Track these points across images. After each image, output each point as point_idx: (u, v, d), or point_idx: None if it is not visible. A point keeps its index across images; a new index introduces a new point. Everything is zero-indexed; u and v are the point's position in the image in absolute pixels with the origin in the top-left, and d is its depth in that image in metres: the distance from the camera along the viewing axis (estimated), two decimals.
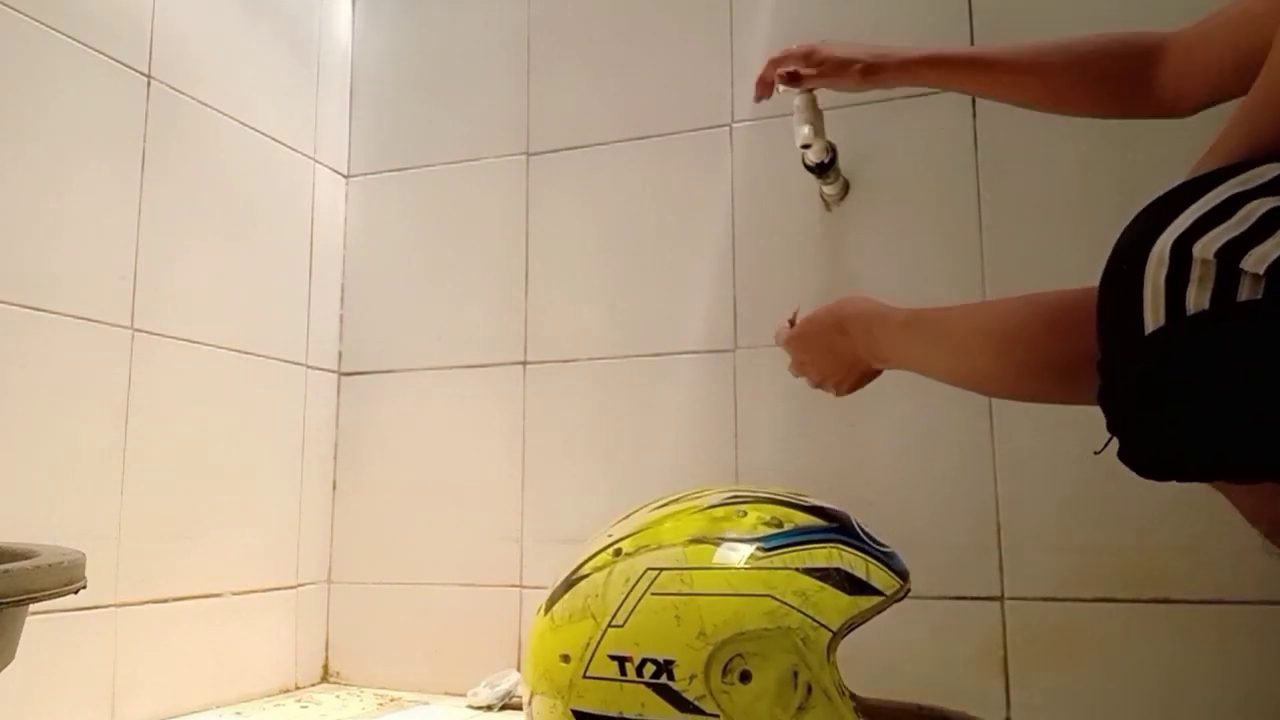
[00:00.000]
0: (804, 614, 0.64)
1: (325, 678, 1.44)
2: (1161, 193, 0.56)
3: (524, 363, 1.39)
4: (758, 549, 0.68)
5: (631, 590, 0.68)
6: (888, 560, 0.71)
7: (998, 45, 0.97)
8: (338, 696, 1.33)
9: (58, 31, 1.07)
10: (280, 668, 1.35)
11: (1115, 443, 0.56)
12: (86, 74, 1.10)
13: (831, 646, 0.65)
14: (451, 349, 1.43)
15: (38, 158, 1.05)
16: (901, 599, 0.71)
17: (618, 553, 0.72)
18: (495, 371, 1.40)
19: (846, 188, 1.24)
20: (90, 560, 0.66)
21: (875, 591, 0.67)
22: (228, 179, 1.31)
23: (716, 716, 0.63)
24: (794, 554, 0.68)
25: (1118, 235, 0.57)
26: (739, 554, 0.68)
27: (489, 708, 1.25)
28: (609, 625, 0.67)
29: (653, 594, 0.67)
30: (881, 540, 0.74)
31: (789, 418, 1.22)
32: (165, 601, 1.17)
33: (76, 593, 0.63)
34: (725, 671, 0.64)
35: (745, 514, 0.72)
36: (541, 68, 1.44)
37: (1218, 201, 0.51)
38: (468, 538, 1.38)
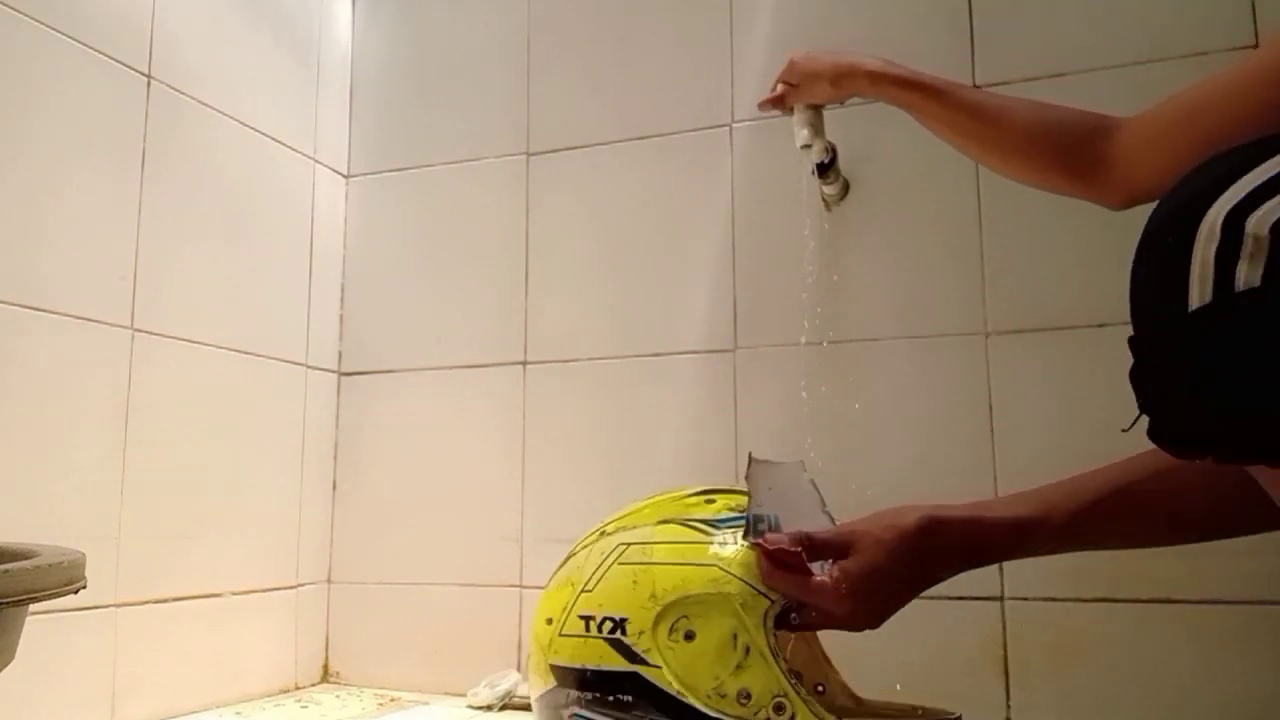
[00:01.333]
0: (745, 582, 0.72)
1: (325, 678, 1.44)
2: (1209, 157, 0.53)
3: (524, 363, 1.39)
4: (712, 527, 0.77)
5: (603, 561, 0.78)
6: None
7: (971, 88, 0.95)
8: (338, 696, 1.33)
9: (57, 31, 1.07)
10: (280, 668, 1.35)
11: (1144, 421, 0.54)
12: (86, 74, 1.10)
13: (770, 613, 0.72)
14: (451, 349, 1.43)
15: (37, 158, 1.04)
16: None
17: (602, 534, 0.82)
18: (495, 371, 1.40)
19: (846, 188, 1.24)
20: (90, 560, 0.66)
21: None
22: (228, 179, 1.31)
23: (659, 668, 0.72)
24: (735, 531, 0.76)
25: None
26: (695, 530, 0.77)
27: (489, 708, 1.25)
28: (581, 590, 0.77)
29: (619, 564, 0.77)
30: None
31: (789, 418, 1.22)
32: (165, 601, 1.17)
33: (76, 593, 0.62)
34: (671, 630, 0.73)
35: (714, 500, 0.81)
36: (541, 68, 1.44)
37: (1272, 173, 0.49)
38: (468, 538, 1.38)
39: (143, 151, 1.17)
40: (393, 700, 1.32)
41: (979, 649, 1.12)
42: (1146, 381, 0.54)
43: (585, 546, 0.82)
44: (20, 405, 1.01)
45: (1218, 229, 0.49)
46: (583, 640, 0.75)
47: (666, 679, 0.72)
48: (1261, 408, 0.49)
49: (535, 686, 0.80)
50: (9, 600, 0.56)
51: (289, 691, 1.36)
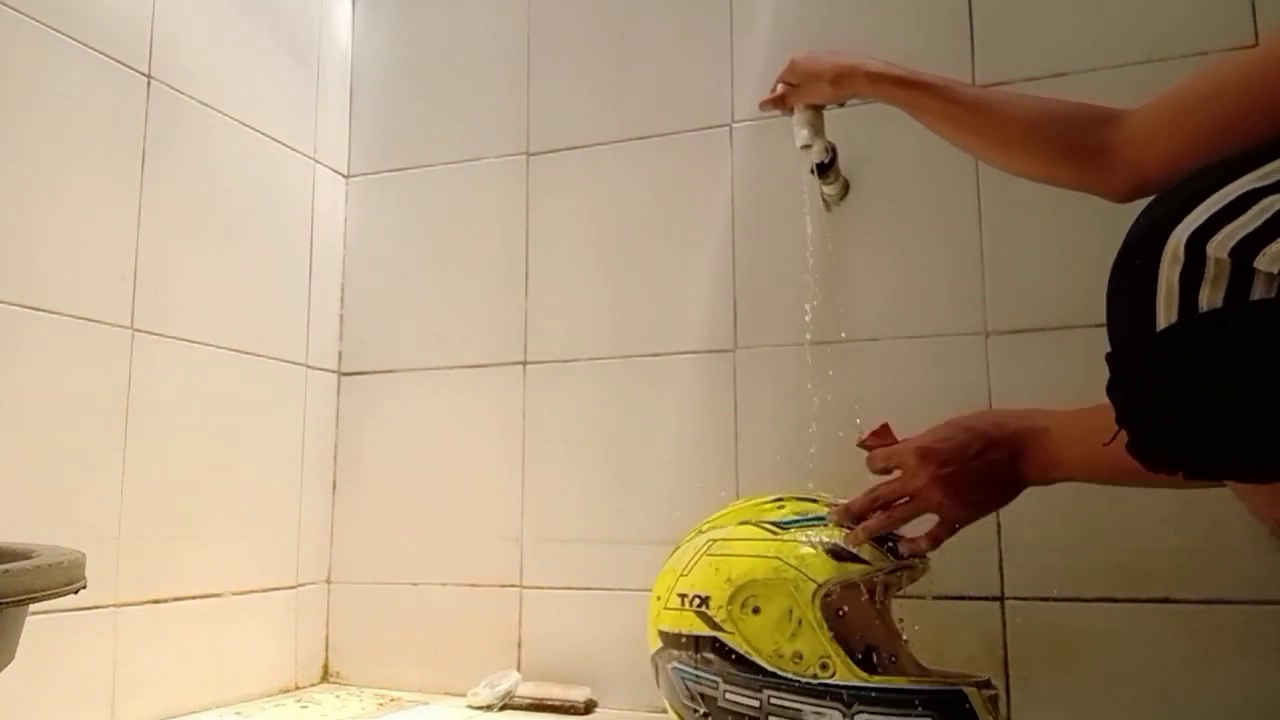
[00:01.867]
0: (798, 570, 0.92)
1: (325, 678, 1.44)
2: (1176, 182, 0.55)
3: (524, 363, 1.39)
4: (778, 527, 0.96)
5: (696, 553, 0.99)
6: (890, 544, 0.93)
7: (968, 84, 0.96)
8: (338, 696, 1.33)
9: (57, 31, 1.07)
10: (280, 668, 1.35)
11: (1124, 435, 0.55)
12: (86, 74, 1.10)
13: (817, 594, 0.90)
14: (451, 349, 1.43)
15: (37, 157, 1.05)
16: (900, 570, 0.94)
17: (699, 531, 1.02)
18: (495, 371, 1.40)
19: (846, 188, 1.24)
20: (90, 560, 0.66)
21: (861, 561, 0.91)
22: (228, 179, 1.31)
23: (733, 634, 0.93)
24: (804, 531, 0.95)
25: (1118, 236, 0.57)
26: (764, 530, 0.97)
27: (489, 708, 1.25)
28: (680, 575, 0.99)
29: (706, 555, 0.98)
30: (900, 533, 0.94)
31: (789, 418, 1.22)
32: (165, 601, 1.17)
33: (76, 593, 0.63)
34: (742, 606, 0.93)
35: (783, 506, 0.99)
36: (541, 68, 1.44)
37: (1233, 197, 0.51)
38: (468, 538, 1.38)
39: (143, 151, 1.17)
40: (393, 700, 1.32)
41: (979, 649, 1.12)
42: (1120, 397, 0.55)
43: (687, 541, 1.02)
44: (20, 405, 1.01)
45: (1181, 252, 0.51)
46: (679, 612, 0.97)
47: (739, 642, 0.93)
48: (1226, 425, 0.50)
49: (650, 646, 1.02)
50: (9, 600, 0.56)
51: (289, 691, 1.36)
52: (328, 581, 1.46)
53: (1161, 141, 0.73)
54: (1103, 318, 1.13)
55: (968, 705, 0.86)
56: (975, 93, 0.91)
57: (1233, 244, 0.49)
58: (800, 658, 0.90)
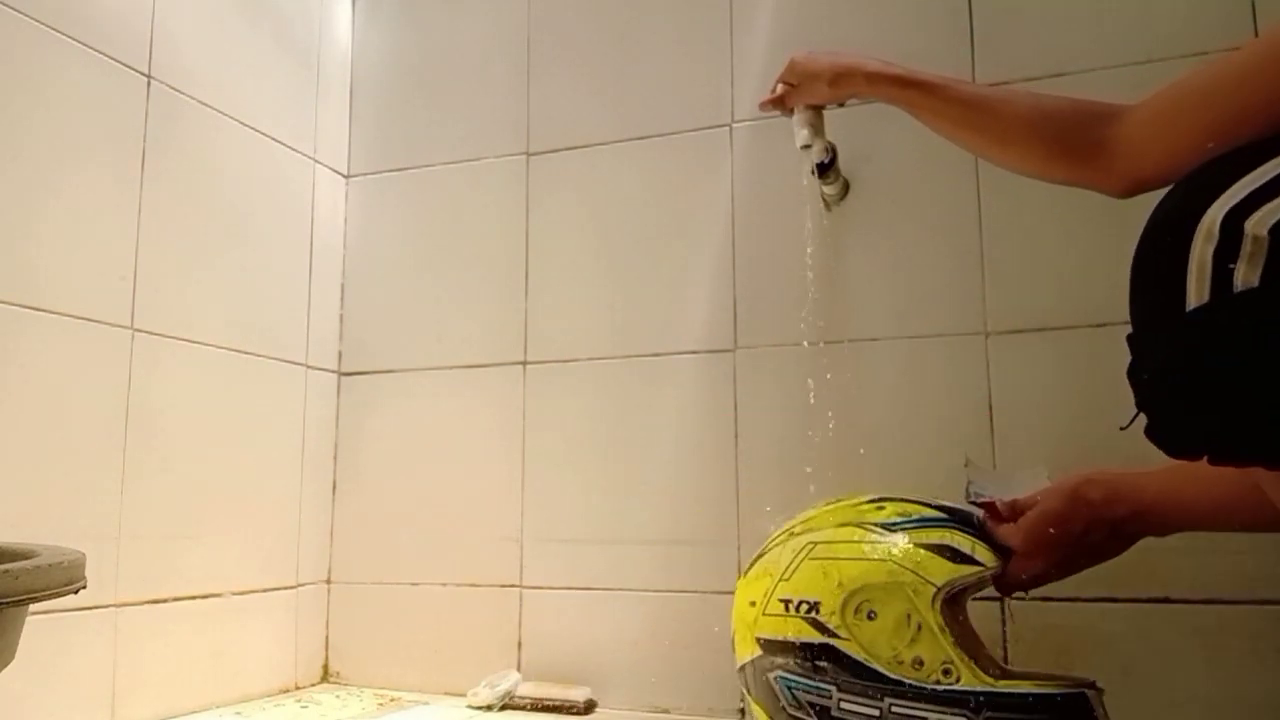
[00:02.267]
0: (915, 573, 0.88)
1: (325, 678, 1.44)
2: (1207, 160, 0.53)
3: (524, 363, 1.39)
4: (886, 529, 0.93)
5: (796, 556, 0.94)
6: (997, 546, 0.90)
7: (966, 81, 0.96)
8: (338, 696, 1.33)
9: (57, 31, 1.07)
10: (280, 668, 1.35)
11: (1142, 419, 0.54)
12: (86, 74, 1.10)
13: (936, 598, 0.87)
14: (451, 349, 1.43)
15: (37, 157, 1.05)
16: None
17: (791, 534, 0.98)
18: (495, 371, 1.40)
19: (846, 188, 1.24)
20: (90, 560, 0.66)
21: (976, 563, 0.88)
22: (228, 179, 1.31)
23: (848, 640, 0.89)
24: (914, 533, 0.92)
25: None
26: (872, 532, 0.93)
27: (489, 708, 1.25)
28: (779, 580, 0.94)
29: (810, 559, 0.93)
30: None
31: (789, 418, 1.22)
32: (165, 601, 1.17)
33: (76, 593, 0.63)
34: (856, 611, 0.90)
35: (883, 508, 0.95)
36: (541, 68, 1.44)
37: (1270, 175, 0.49)
38: (468, 538, 1.38)
39: (142, 151, 1.17)
40: (393, 700, 1.32)
41: None
42: (1143, 380, 0.54)
43: (777, 544, 0.98)
44: (20, 405, 1.01)
45: (1216, 229, 0.49)
46: (783, 619, 0.92)
47: (855, 649, 0.89)
48: (1257, 408, 0.48)
49: (741, 655, 0.98)
50: (9, 600, 0.56)
51: (289, 691, 1.36)
52: (328, 581, 1.46)
53: (1159, 138, 0.72)
54: (1103, 317, 1.14)
55: (1091, 709, 0.85)
56: (973, 90, 0.91)
57: (1272, 222, 0.47)
58: (921, 663, 0.87)
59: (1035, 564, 0.88)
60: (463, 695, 1.29)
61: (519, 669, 1.31)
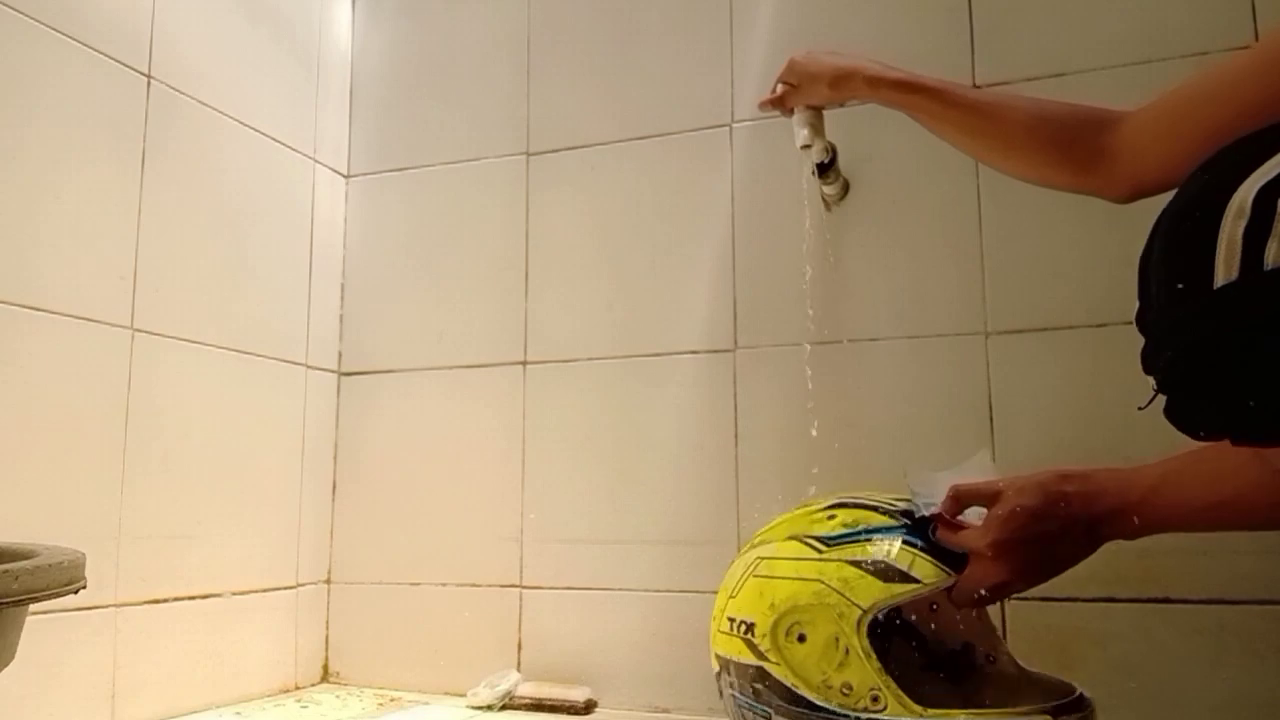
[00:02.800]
0: (841, 594, 0.84)
1: (325, 678, 1.44)
2: (1241, 136, 0.52)
3: (524, 363, 1.39)
4: (824, 545, 0.88)
5: (744, 573, 0.92)
6: (945, 556, 0.84)
7: (969, 87, 0.96)
8: (338, 696, 1.33)
9: (57, 31, 1.07)
10: (280, 668, 1.35)
11: (1157, 410, 0.53)
12: (86, 74, 1.10)
13: (862, 621, 0.82)
14: (451, 349, 1.43)
15: (37, 157, 1.04)
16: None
17: (752, 545, 0.95)
18: (495, 371, 1.40)
19: (846, 188, 1.24)
20: (90, 560, 0.66)
21: (913, 580, 0.83)
22: (228, 179, 1.31)
23: (778, 665, 0.86)
24: (851, 548, 0.86)
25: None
26: (810, 547, 0.89)
27: (489, 708, 1.25)
28: (729, 597, 0.93)
29: (753, 576, 0.91)
30: None
31: (789, 418, 1.22)
32: (165, 601, 1.17)
33: (76, 593, 0.63)
34: (786, 633, 0.86)
35: (834, 516, 0.90)
36: (541, 68, 1.44)
37: None
38: (468, 538, 1.38)
39: (143, 151, 1.17)
40: (393, 700, 1.32)
41: None
42: (1165, 359, 0.53)
43: (740, 556, 0.96)
44: (20, 405, 1.01)
45: (1248, 206, 0.48)
46: (729, 637, 0.91)
47: (784, 673, 0.86)
48: None
49: (713, 667, 0.97)
50: (9, 600, 0.56)
51: (289, 691, 1.36)
52: (327, 582, 1.46)
53: (1159, 144, 0.72)
54: (1103, 317, 1.13)
55: None
56: (974, 96, 0.91)
57: None
58: (850, 689, 0.82)
59: (1000, 571, 0.80)
60: (463, 695, 1.29)
61: (519, 669, 1.31)
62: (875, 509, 0.90)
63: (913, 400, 1.18)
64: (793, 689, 0.85)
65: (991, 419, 1.14)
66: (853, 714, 0.82)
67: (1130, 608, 1.07)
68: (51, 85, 1.06)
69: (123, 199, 1.14)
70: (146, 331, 1.16)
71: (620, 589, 1.29)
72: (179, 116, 1.23)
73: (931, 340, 1.18)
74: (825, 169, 1.18)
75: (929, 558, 0.83)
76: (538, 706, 1.24)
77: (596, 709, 1.25)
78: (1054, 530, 0.79)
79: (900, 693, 0.81)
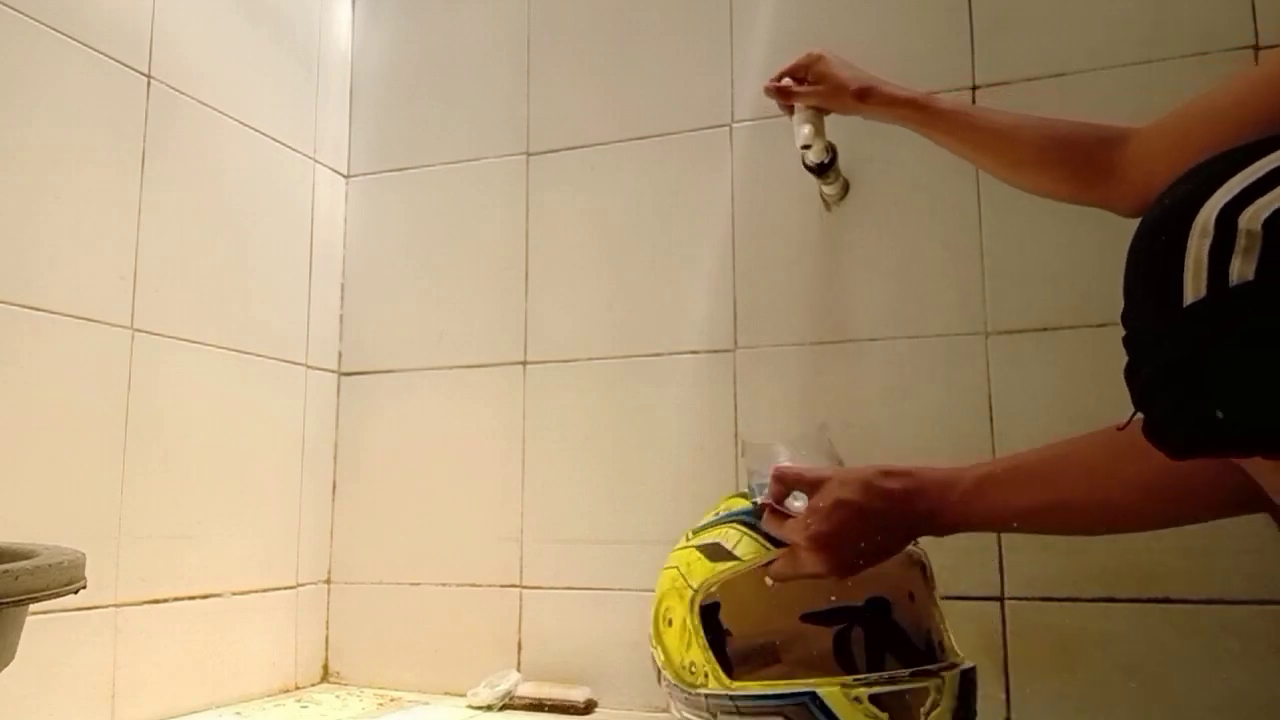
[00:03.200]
0: (684, 576, 0.89)
1: (325, 678, 1.44)
2: (1201, 161, 0.54)
3: (524, 363, 1.39)
4: (692, 532, 0.94)
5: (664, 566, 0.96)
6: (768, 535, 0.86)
7: (980, 106, 0.99)
8: (338, 696, 1.33)
9: (57, 31, 1.07)
10: (280, 668, 1.35)
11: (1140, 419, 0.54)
12: (86, 74, 1.10)
13: (695, 600, 0.87)
14: (451, 349, 1.43)
15: (37, 157, 1.05)
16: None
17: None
18: (495, 371, 1.40)
19: (846, 188, 1.24)
20: (90, 560, 0.66)
21: (734, 558, 0.86)
22: (228, 179, 1.31)
23: (658, 649, 0.92)
24: (705, 532, 0.91)
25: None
26: (683, 537, 0.94)
27: (489, 708, 1.25)
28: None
29: (664, 569, 0.95)
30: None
31: (789, 418, 1.22)
32: (165, 601, 1.17)
33: (76, 593, 0.63)
34: (663, 619, 0.92)
35: (718, 507, 0.95)
36: (541, 68, 1.44)
37: (1264, 172, 0.50)
38: (468, 538, 1.38)
39: (143, 151, 1.17)
40: (393, 700, 1.32)
41: (979, 649, 1.11)
42: (1141, 379, 0.54)
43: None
44: (20, 405, 1.01)
45: (1211, 225, 0.49)
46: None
47: (661, 658, 0.91)
48: (1258, 400, 0.49)
49: None
50: (9, 600, 0.56)
51: (289, 691, 1.36)
52: (327, 581, 1.46)
53: (1166, 160, 0.74)
54: (1103, 317, 1.14)
55: (821, 704, 0.78)
56: (988, 118, 0.94)
57: (1265, 216, 0.48)
58: (694, 668, 0.86)
59: (816, 563, 0.81)
60: (463, 695, 1.29)
61: (519, 669, 1.31)
62: (747, 494, 0.93)
63: (912, 400, 1.18)
64: (662, 670, 0.90)
65: (991, 419, 1.14)
66: (697, 692, 0.86)
67: (1130, 608, 1.07)
68: (51, 85, 1.06)
69: (123, 199, 1.14)
70: (146, 331, 1.16)
71: (620, 589, 1.29)
72: (179, 116, 1.23)
73: (931, 340, 1.18)
74: (825, 169, 1.18)
75: (755, 535, 0.86)
76: (538, 706, 1.24)
77: (596, 709, 1.25)
78: (871, 526, 0.80)
79: (716, 666, 0.85)
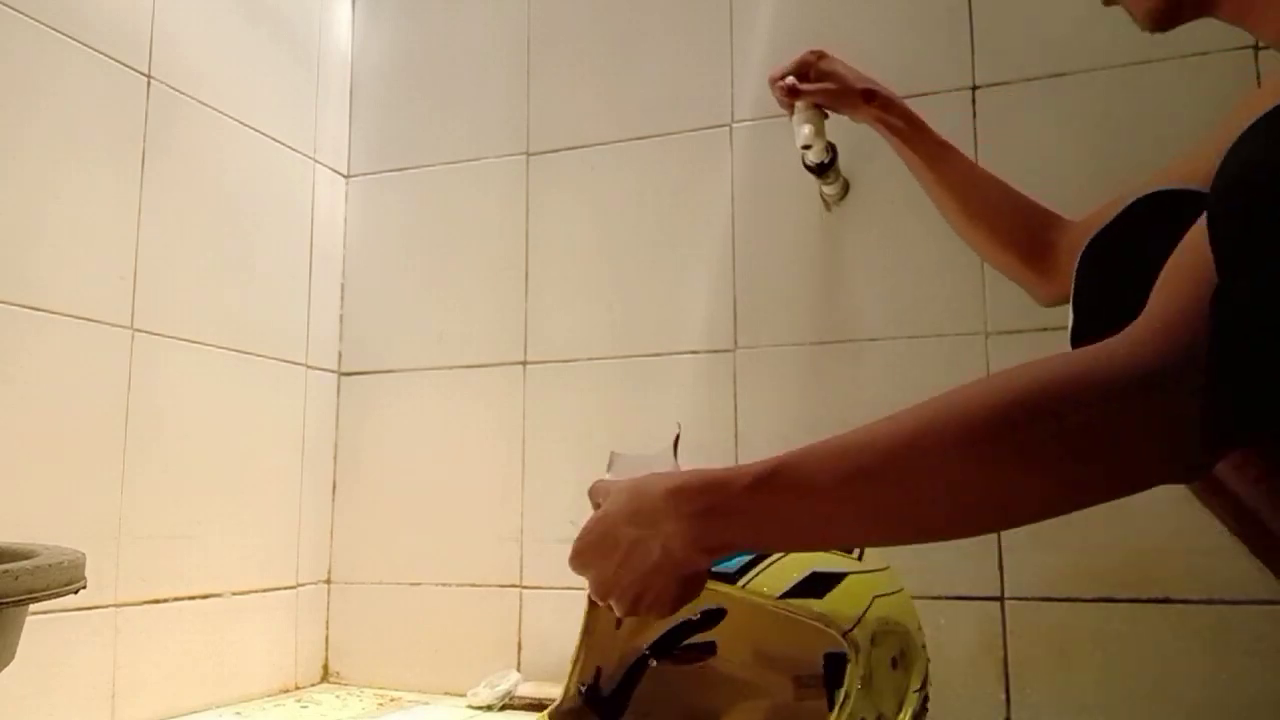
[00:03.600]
0: None
1: (325, 678, 1.44)
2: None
3: (524, 363, 1.39)
4: None
5: None
6: None
7: (965, 155, 1.02)
8: (338, 696, 1.33)
9: (57, 31, 1.07)
10: (280, 668, 1.35)
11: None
12: (86, 74, 1.10)
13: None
14: (451, 349, 1.43)
15: (37, 157, 1.04)
16: None
17: None
18: (495, 371, 1.40)
19: (846, 188, 1.24)
20: (90, 560, 0.66)
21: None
22: (228, 179, 1.31)
23: None
24: None
25: None
26: None
27: (489, 708, 1.25)
28: None
29: None
30: None
31: (789, 418, 1.22)
32: (165, 601, 1.17)
33: (76, 593, 0.63)
34: None
35: None
36: (541, 68, 1.44)
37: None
38: (468, 538, 1.38)
39: (142, 151, 1.17)
40: (393, 700, 1.32)
41: (979, 649, 1.11)
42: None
43: None
44: (20, 405, 1.01)
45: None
46: None
47: None
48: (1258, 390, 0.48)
49: None
50: (9, 600, 0.56)
51: (289, 691, 1.36)
52: (327, 582, 1.46)
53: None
54: None
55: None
56: (966, 160, 1.00)
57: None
58: None
59: (588, 581, 0.70)
60: (463, 695, 1.29)
61: (519, 669, 1.31)
62: None
63: (912, 400, 1.18)
64: None
65: None
66: None
67: (1130, 608, 1.07)
68: (51, 85, 1.06)
69: (123, 199, 1.14)
70: (146, 331, 1.16)
71: None
72: (179, 116, 1.23)
73: (931, 340, 1.18)
74: (825, 169, 1.18)
75: None
76: (538, 706, 1.24)
77: None
78: (621, 537, 0.67)
79: (574, 670, 0.95)
